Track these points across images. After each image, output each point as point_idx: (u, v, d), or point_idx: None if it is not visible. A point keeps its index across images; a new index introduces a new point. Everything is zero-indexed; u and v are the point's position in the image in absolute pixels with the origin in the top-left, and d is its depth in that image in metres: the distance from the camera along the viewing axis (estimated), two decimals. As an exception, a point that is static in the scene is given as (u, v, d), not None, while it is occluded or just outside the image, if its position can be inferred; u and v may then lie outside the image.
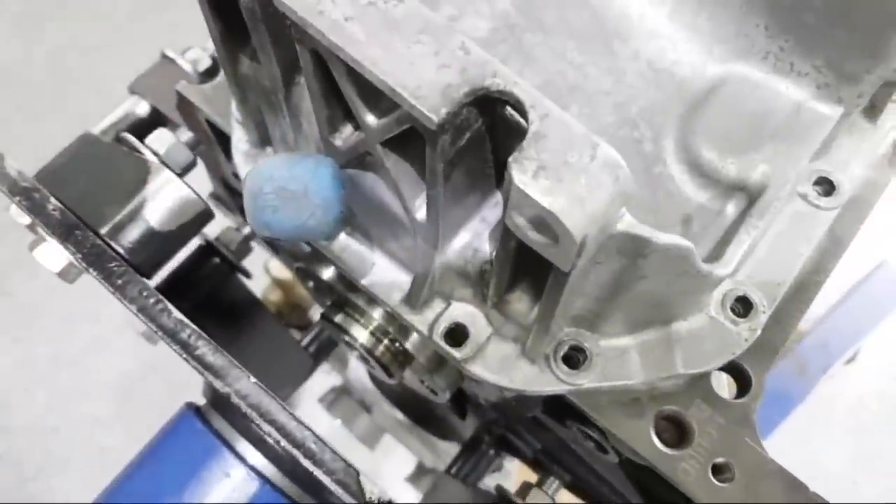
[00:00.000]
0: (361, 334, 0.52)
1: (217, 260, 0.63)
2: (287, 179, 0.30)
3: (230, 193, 0.68)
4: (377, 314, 0.51)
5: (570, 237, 0.27)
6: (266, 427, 0.39)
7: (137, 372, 1.96)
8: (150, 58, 0.67)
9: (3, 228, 2.01)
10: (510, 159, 0.28)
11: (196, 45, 0.67)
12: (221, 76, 0.55)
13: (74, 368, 2.01)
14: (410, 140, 0.34)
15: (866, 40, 0.41)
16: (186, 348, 0.40)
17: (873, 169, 0.51)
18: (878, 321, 1.86)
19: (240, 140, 0.48)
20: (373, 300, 0.49)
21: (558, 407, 0.48)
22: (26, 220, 0.53)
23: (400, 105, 0.29)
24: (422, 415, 0.88)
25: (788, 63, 0.44)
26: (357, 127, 0.36)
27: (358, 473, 0.39)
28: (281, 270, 1.06)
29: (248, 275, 0.66)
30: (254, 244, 0.69)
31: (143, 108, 0.61)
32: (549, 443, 0.62)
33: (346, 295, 0.51)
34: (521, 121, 0.30)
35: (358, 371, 1.07)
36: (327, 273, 0.51)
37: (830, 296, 1.96)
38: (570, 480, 0.65)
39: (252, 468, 0.46)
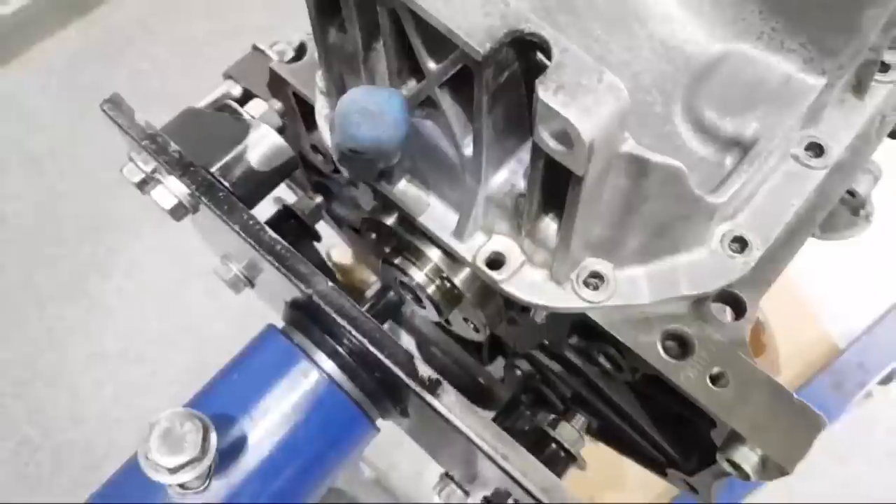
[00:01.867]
0: (417, 275, 0.61)
1: (293, 221, 0.73)
2: (368, 102, 0.40)
3: (304, 168, 0.79)
4: (433, 254, 0.60)
5: (581, 141, 0.37)
6: (340, 320, 0.49)
7: (198, 369, 2.07)
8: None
9: (81, 235, 2.17)
10: (537, 81, 0.37)
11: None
12: (305, 59, 0.66)
13: (140, 365, 2.15)
14: (462, 87, 0.44)
15: (839, 19, 0.49)
16: (279, 258, 0.50)
17: (859, 139, 0.59)
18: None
19: (322, 107, 0.59)
20: (428, 241, 0.58)
21: (582, 329, 0.56)
22: (138, 175, 0.64)
23: (455, 47, 0.39)
24: (463, 385, 0.96)
25: (779, 41, 0.53)
26: (420, 80, 0.46)
27: (412, 357, 0.48)
28: (342, 257, 1.17)
29: (318, 237, 0.76)
30: (324, 213, 0.80)
31: (236, 90, 0.72)
32: (577, 387, 0.70)
33: (405, 238, 0.60)
34: (549, 63, 0.39)
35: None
36: (390, 219, 0.60)
37: (868, 315, 1.99)
38: (596, 426, 0.73)
39: (325, 372, 0.56)
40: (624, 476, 1.65)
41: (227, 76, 0.75)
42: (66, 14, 2.67)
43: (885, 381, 1.96)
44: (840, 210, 1.35)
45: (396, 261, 0.62)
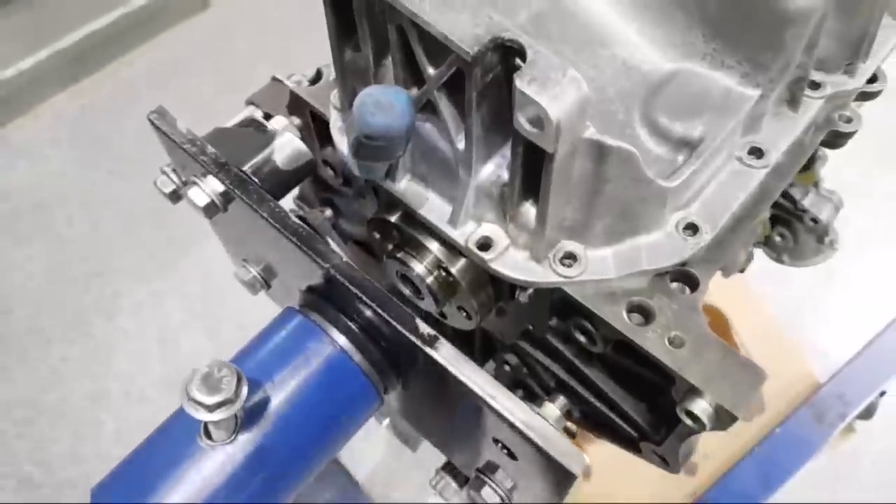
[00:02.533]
0: (418, 267, 0.70)
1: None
2: (380, 96, 0.50)
3: (314, 184, 0.89)
4: (432, 246, 0.68)
5: (550, 121, 0.46)
6: (352, 289, 0.57)
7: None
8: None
9: (88, 279, 2.25)
10: (515, 74, 0.47)
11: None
12: (321, 83, 0.76)
13: (142, 405, 2.20)
14: (455, 91, 0.54)
15: (767, 38, 0.60)
16: (302, 239, 0.59)
17: (795, 146, 0.69)
18: (893, 374, 1.96)
19: (336, 120, 0.69)
20: (427, 234, 0.67)
21: (561, 308, 0.65)
22: (170, 186, 0.74)
23: (450, 52, 0.49)
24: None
25: (720, 60, 0.63)
26: (421, 87, 0.56)
27: (414, 317, 0.57)
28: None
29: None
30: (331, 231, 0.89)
31: (258, 113, 0.82)
32: (559, 373, 0.78)
33: (407, 232, 0.69)
34: (524, 64, 0.49)
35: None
36: (394, 217, 0.70)
37: (848, 351, 2.07)
38: (578, 412, 0.80)
39: (338, 345, 0.64)
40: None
41: (249, 102, 0.85)
42: (79, 70, 2.81)
43: (866, 415, 2.03)
44: (806, 238, 1.47)
45: (399, 255, 0.71)
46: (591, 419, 0.80)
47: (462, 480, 0.83)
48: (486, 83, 0.51)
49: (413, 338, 0.55)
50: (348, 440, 0.69)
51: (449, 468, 0.84)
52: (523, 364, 0.82)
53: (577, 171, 0.54)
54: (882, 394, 1.97)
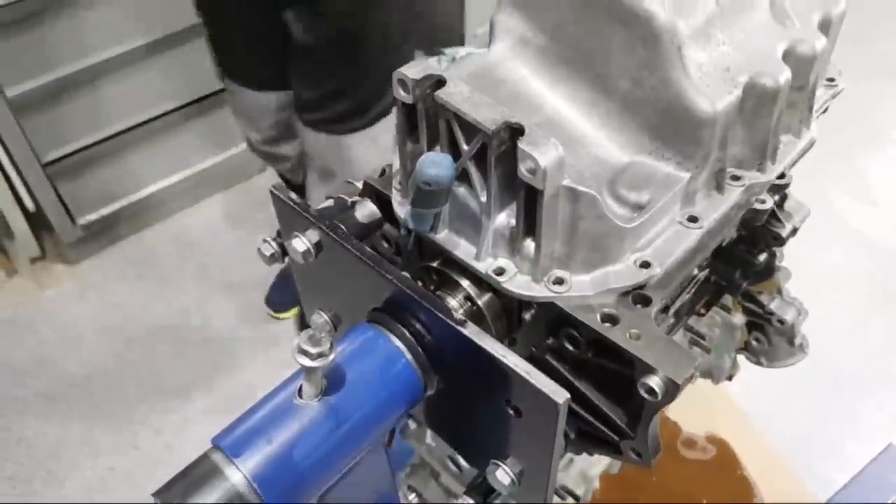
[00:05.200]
0: (452, 301, 0.96)
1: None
2: (434, 155, 0.79)
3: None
4: (464, 283, 0.95)
5: (540, 167, 0.75)
6: (408, 292, 0.84)
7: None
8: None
9: (141, 397, 2.49)
10: (517, 141, 0.76)
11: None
12: (385, 176, 1.07)
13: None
14: (480, 161, 0.83)
15: (688, 137, 0.89)
16: (377, 262, 0.86)
17: (723, 218, 0.97)
18: (886, 499, 2.08)
19: (397, 196, 0.98)
20: (459, 272, 0.94)
21: (553, 325, 0.90)
22: (270, 250, 1.02)
23: (478, 132, 0.79)
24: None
25: (661, 153, 0.93)
26: (457, 158, 0.85)
27: (450, 309, 0.82)
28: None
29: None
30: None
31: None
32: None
33: (444, 272, 0.96)
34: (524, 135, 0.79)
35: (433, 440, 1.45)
36: (436, 262, 0.97)
37: (841, 477, 2.20)
38: (574, 431, 1.02)
39: (396, 348, 0.89)
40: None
41: (328, 197, 1.16)
42: (150, 217, 3.22)
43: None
44: (778, 341, 1.73)
45: (437, 293, 0.97)
46: (582, 435, 1.01)
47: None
48: (500, 151, 0.80)
49: (448, 320, 0.81)
50: (394, 425, 0.92)
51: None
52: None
53: (560, 213, 0.82)
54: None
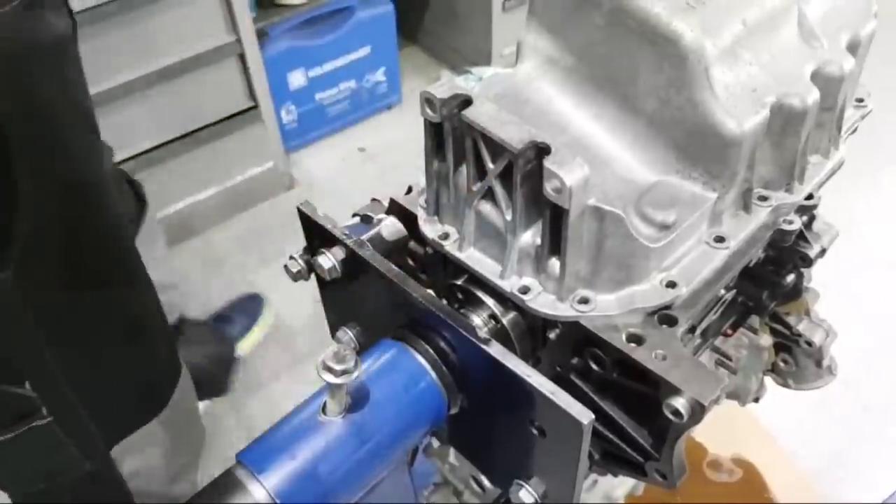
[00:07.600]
0: (476, 320, 0.96)
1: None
2: None
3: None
4: (488, 301, 0.95)
5: (566, 186, 0.75)
6: (433, 310, 0.84)
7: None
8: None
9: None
10: (544, 159, 0.76)
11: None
12: (412, 194, 1.08)
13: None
14: (506, 179, 0.84)
15: (715, 156, 0.89)
16: (404, 282, 0.87)
17: (751, 238, 0.96)
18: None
19: (423, 214, 0.99)
20: (483, 290, 0.94)
21: (579, 345, 0.90)
22: (297, 267, 1.03)
23: (504, 150, 0.79)
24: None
25: (688, 173, 0.92)
26: (483, 179, 0.86)
27: (474, 327, 0.82)
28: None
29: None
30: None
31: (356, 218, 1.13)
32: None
33: (469, 290, 0.96)
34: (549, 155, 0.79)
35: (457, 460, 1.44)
36: (461, 280, 0.97)
37: (870, 501, 2.16)
38: (598, 452, 1.01)
39: (421, 366, 0.90)
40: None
41: (355, 215, 1.17)
42: (179, 234, 3.26)
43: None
44: (806, 362, 1.71)
45: (462, 311, 0.97)
46: (607, 455, 1.00)
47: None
48: (526, 170, 0.80)
49: (472, 338, 0.81)
50: (417, 443, 0.92)
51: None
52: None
53: (585, 232, 0.82)
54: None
